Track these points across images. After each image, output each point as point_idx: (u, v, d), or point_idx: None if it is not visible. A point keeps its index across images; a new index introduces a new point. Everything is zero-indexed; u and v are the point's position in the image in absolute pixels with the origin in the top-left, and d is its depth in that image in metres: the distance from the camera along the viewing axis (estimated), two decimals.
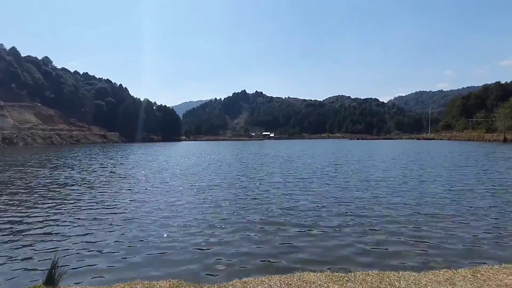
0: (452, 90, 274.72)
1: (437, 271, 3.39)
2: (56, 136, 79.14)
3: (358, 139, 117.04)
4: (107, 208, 7.09)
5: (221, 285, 3.07)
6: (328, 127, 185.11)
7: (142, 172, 14.48)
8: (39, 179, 11.87)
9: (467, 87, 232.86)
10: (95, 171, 14.71)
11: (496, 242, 4.60)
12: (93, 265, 3.91)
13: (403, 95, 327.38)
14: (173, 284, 3.08)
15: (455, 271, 3.38)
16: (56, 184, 10.66)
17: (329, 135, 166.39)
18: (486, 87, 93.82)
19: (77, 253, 4.29)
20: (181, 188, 9.76)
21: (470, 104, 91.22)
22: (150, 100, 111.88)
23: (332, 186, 9.81)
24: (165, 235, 5.03)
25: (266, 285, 3.04)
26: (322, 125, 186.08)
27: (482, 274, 3.27)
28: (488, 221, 5.73)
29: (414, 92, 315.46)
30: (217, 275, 3.60)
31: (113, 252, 4.35)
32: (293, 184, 10.31)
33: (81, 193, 8.92)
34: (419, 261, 4.04)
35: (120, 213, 6.59)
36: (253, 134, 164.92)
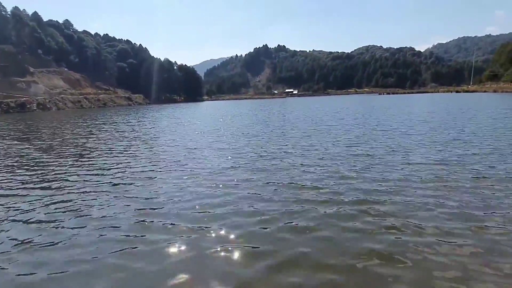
0: (502, 34, 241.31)
1: None
2: (85, 100, 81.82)
3: (389, 93, 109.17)
4: None
5: None
6: (355, 81, 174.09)
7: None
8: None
9: None
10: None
11: None
12: None
13: (444, 42, 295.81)
14: None
15: None
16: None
17: (357, 90, 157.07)
18: None
19: None
20: None
21: None
22: (170, 60, 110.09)
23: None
24: None
25: None
26: (350, 79, 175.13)
27: None
28: None
29: (456, 38, 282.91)
30: None
31: None
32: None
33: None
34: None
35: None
36: (275, 91, 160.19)
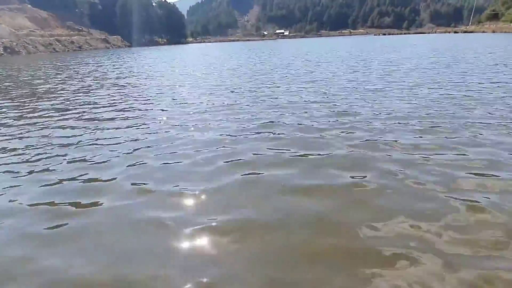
0: None
1: None
2: (57, 43, 75.28)
3: (385, 34, 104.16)
4: None
5: None
6: (350, 21, 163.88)
7: None
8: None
9: None
10: None
11: None
12: None
13: None
14: None
15: None
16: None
17: (352, 31, 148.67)
18: None
19: None
20: None
21: None
22: None
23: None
24: None
25: None
26: (345, 18, 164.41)
27: None
28: None
29: None
30: None
31: None
32: None
33: None
34: None
35: None
36: (265, 32, 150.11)
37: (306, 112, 5.66)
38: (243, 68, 14.41)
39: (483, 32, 64.25)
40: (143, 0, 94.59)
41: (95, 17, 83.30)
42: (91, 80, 12.16)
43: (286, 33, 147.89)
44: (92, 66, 19.59)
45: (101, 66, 19.59)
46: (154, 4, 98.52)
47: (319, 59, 17.93)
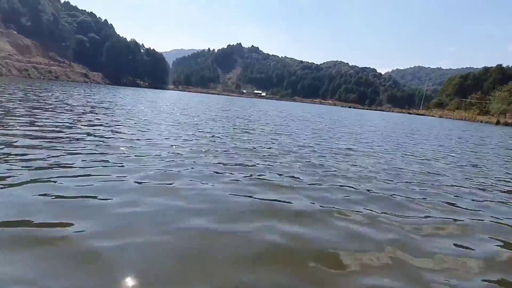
0: (451, 68, 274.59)
1: None
2: (33, 70, 74.08)
3: (350, 107, 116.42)
4: None
5: None
6: (321, 93, 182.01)
7: None
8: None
9: (467, 67, 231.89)
10: None
11: None
12: None
13: (402, 68, 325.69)
14: None
15: None
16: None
17: (322, 101, 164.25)
18: (486, 69, 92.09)
19: None
20: None
21: (467, 84, 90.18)
22: (137, 41, 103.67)
23: None
24: None
25: None
26: (316, 89, 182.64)
27: None
28: None
29: (412, 66, 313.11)
30: None
31: None
32: None
33: None
34: None
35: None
36: (244, 91, 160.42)
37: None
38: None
39: (432, 116, 74.81)
40: (131, 45, 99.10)
41: (80, 53, 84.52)
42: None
43: (263, 94, 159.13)
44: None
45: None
46: (142, 50, 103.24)
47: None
